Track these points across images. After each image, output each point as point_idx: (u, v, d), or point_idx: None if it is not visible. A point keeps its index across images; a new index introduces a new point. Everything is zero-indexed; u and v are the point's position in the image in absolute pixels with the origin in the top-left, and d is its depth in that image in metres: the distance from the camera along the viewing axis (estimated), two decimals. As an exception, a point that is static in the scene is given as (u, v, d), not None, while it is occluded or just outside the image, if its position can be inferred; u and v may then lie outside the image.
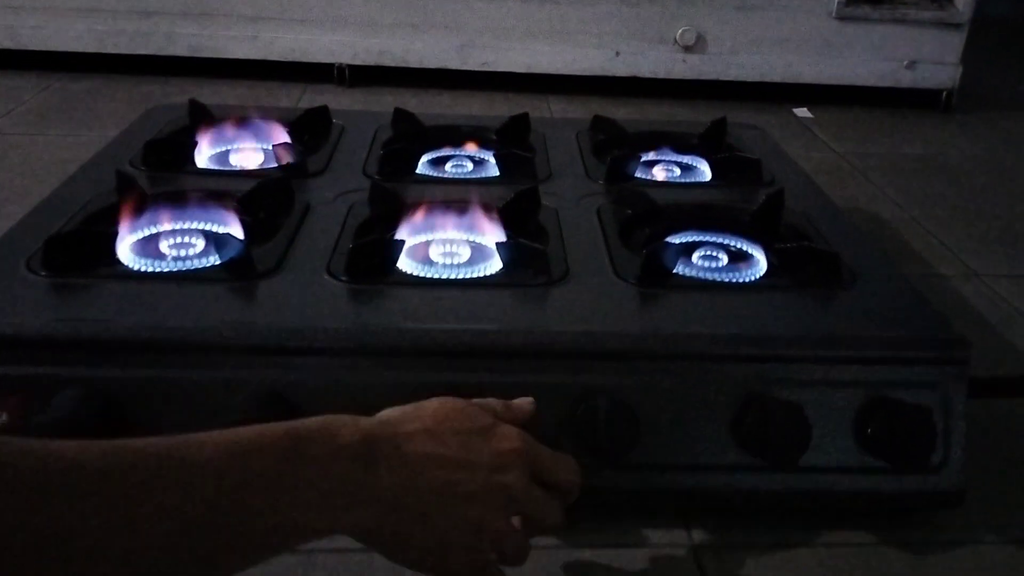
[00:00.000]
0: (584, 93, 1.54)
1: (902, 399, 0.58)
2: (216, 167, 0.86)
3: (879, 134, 1.49)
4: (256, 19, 1.48)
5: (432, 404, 0.49)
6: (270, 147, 0.87)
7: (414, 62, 1.52)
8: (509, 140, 0.93)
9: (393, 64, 1.52)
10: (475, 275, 0.67)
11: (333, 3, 1.47)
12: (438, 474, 0.45)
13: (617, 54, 1.52)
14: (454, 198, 0.76)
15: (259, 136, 0.90)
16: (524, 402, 0.53)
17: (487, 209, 0.74)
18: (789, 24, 1.51)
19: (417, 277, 0.66)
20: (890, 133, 1.50)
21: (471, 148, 0.92)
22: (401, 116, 0.96)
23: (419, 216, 0.73)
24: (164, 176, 0.82)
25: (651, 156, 0.92)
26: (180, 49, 1.49)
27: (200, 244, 0.70)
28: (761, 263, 0.71)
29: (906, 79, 1.57)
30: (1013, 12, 2.68)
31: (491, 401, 0.52)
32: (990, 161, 1.39)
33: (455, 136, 0.93)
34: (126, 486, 0.36)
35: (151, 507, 0.36)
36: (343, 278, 0.64)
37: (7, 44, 1.48)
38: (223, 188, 0.78)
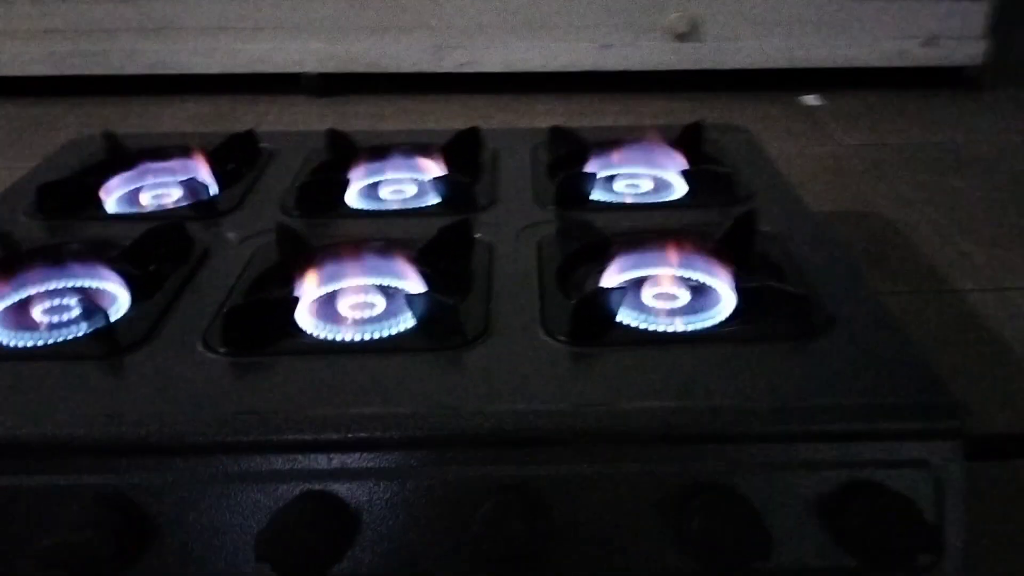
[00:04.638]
0: (572, 90, 1.43)
1: (883, 483, 0.47)
2: (124, 210, 0.77)
3: (897, 121, 1.35)
4: (217, 30, 1.40)
5: None
6: (184, 183, 0.78)
7: (387, 66, 1.42)
8: (455, 159, 0.83)
9: (364, 70, 1.42)
10: (382, 335, 0.57)
11: (295, 9, 1.38)
12: None
13: (604, 47, 1.40)
14: (370, 238, 0.66)
15: (175, 171, 0.81)
16: None
17: (408, 250, 0.64)
18: (792, 3, 1.37)
19: (309, 343, 0.56)
20: (909, 119, 1.36)
21: (410, 171, 0.82)
22: (335, 138, 0.86)
23: (326, 263, 0.63)
24: (64, 224, 0.74)
25: (613, 171, 0.81)
26: (139, 67, 1.41)
27: (76, 308, 0.62)
28: (726, 300, 0.60)
29: (926, 57, 1.42)
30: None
31: None
32: (1021, 148, 1.25)
33: (394, 157, 0.83)
34: None
35: None
36: (221, 350, 0.55)
37: (-38, 71, 1.42)
38: (121, 236, 0.69)
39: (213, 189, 0.78)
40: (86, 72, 1.42)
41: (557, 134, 0.87)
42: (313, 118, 1.37)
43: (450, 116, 1.38)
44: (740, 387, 0.51)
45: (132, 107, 1.40)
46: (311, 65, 1.42)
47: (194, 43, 1.40)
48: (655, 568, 0.47)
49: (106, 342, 0.56)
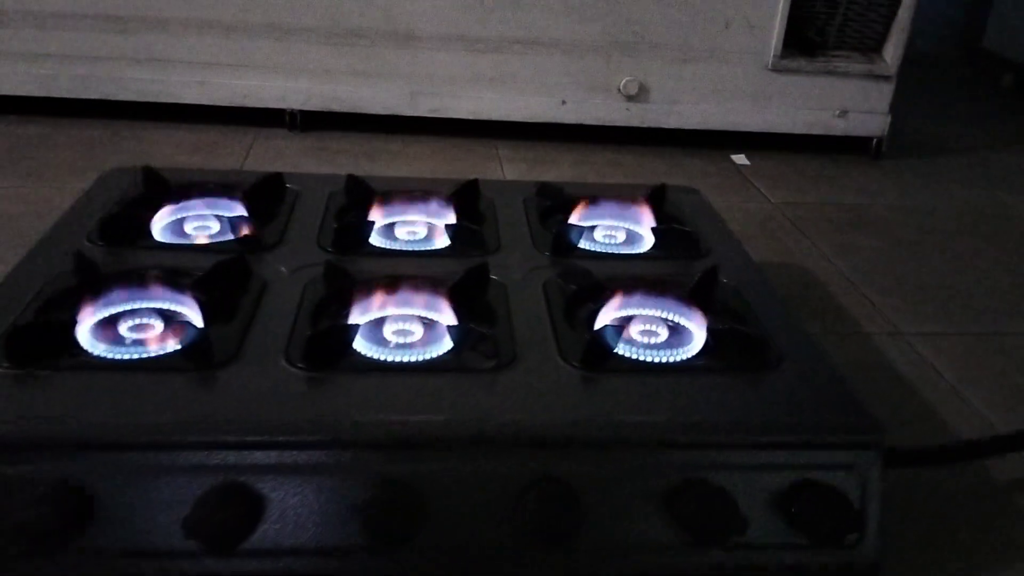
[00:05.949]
0: (532, 139, 1.58)
1: (823, 481, 0.63)
2: (172, 240, 0.88)
3: (812, 181, 1.56)
4: (206, 65, 1.49)
5: None
6: (225, 217, 0.89)
7: (364, 108, 1.54)
8: (460, 207, 0.97)
9: (343, 110, 1.54)
10: (427, 356, 0.70)
11: (284, 50, 1.49)
12: None
13: (563, 102, 1.56)
14: (407, 275, 0.79)
15: (214, 205, 0.92)
16: None
17: (438, 286, 0.78)
18: (727, 75, 1.57)
19: (371, 362, 0.69)
20: (823, 181, 1.57)
21: (423, 215, 0.95)
22: (354, 183, 0.99)
23: (373, 295, 0.76)
24: (121, 252, 0.84)
25: (594, 222, 0.96)
26: (128, 94, 1.49)
27: (159, 326, 0.73)
28: (697, 338, 0.76)
29: (838, 127, 1.64)
30: (936, 48, 2.80)
31: None
32: (915, 210, 1.47)
33: (407, 202, 0.96)
34: None
35: None
36: (300, 366, 0.67)
37: (-49, 87, 1.47)
38: (180, 264, 0.80)
39: (252, 225, 0.89)
40: (72, 96, 1.49)
41: (545, 188, 1.02)
42: (295, 151, 1.48)
43: (421, 156, 1.52)
44: (716, 407, 0.66)
45: (120, 131, 1.48)
46: (295, 102, 1.53)
47: (185, 75, 1.49)
48: (658, 542, 0.62)
49: (201, 358, 0.67)
